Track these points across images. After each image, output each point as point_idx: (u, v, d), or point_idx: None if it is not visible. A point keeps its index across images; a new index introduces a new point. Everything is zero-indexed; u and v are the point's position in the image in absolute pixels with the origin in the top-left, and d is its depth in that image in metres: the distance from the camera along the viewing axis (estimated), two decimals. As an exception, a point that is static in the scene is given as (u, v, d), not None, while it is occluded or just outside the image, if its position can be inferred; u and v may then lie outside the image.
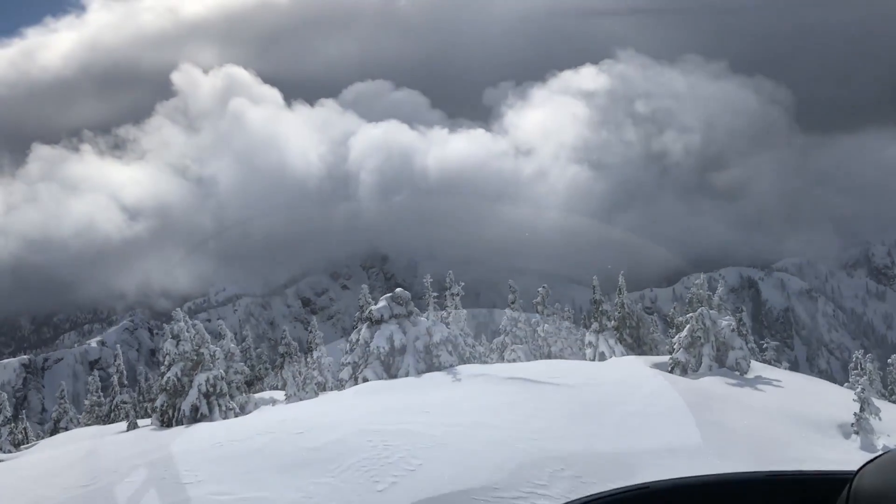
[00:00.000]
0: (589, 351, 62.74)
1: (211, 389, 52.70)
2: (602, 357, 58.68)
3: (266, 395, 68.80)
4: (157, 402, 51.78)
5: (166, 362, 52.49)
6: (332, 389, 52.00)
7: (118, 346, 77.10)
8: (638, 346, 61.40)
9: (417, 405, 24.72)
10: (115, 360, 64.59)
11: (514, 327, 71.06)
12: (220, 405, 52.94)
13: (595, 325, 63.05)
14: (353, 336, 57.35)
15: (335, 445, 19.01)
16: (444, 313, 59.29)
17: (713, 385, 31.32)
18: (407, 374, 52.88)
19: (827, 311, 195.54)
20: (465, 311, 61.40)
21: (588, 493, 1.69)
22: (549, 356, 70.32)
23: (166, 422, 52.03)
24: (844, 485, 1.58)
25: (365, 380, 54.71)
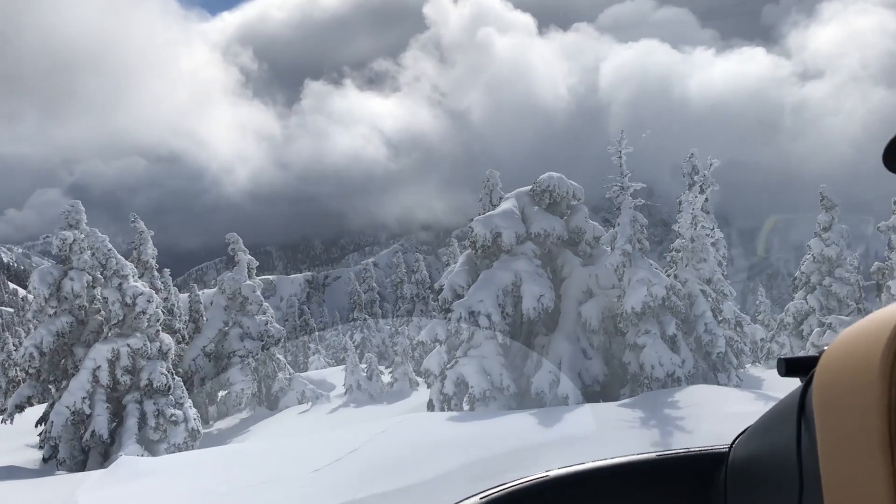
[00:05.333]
0: None
1: (124, 379, 24.48)
2: None
3: (333, 373, 39.70)
4: (12, 401, 24.64)
5: (33, 309, 25.05)
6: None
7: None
8: None
9: None
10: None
11: (829, 275, 34.75)
12: (156, 416, 24.62)
13: None
14: (444, 280, 25.64)
15: None
16: (679, 247, 24.80)
17: None
18: (546, 392, 19.67)
19: None
20: (719, 234, 26.85)
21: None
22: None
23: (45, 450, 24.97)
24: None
25: (458, 383, 19.80)
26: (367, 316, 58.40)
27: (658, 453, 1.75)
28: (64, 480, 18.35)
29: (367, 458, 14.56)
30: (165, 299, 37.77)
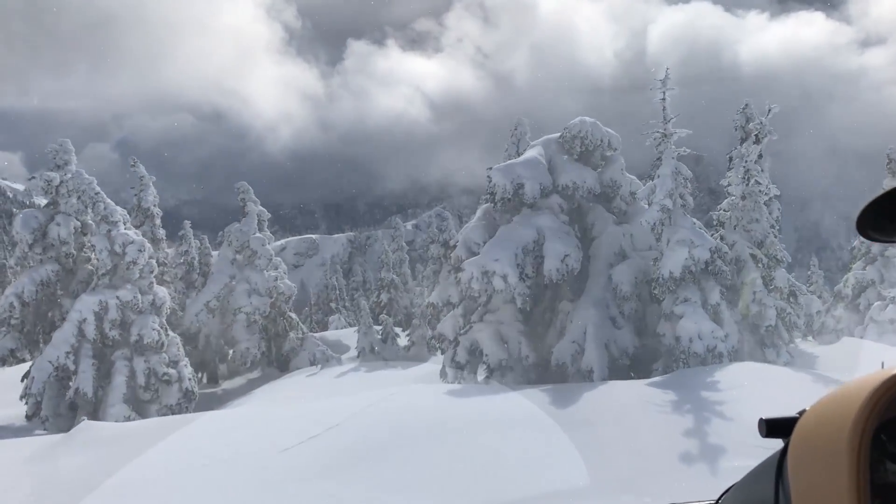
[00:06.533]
0: None
1: (113, 334, 22.74)
2: None
3: (350, 334, 37.71)
4: (-7, 351, 22.81)
5: (15, 256, 23.31)
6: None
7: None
8: None
9: None
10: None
11: None
12: (146, 375, 22.92)
13: None
14: (459, 235, 23.30)
15: None
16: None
17: None
18: (569, 365, 16.70)
19: None
20: (775, 191, 23.82)
21: None
22: None
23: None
24: None
25: (472, 351, 16.68)
26: (394, 276, 56.35)
27: None
28: (20, 445, 16.63)
29: (343, 438, 12.39)
30: (186, 252, 36.13)
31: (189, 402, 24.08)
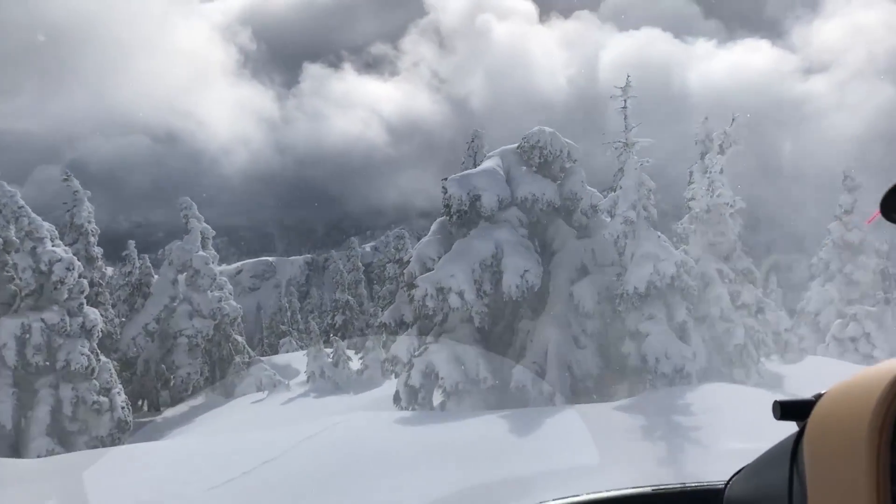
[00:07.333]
0: None
1: (36, 360, 20.90)
2: None
3: (300, 357, 36.11)
4: None
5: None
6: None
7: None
8: None
9: None
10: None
11: None
12: (74, 404, 21.05)
13: None
14: (413, 250, 22.13)
15: None
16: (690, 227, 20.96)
17: None
18: (529, 388, 15.18)
19: None
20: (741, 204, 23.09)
21: None
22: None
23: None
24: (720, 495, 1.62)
25: (427, 374, 14.54)
26: (349, 297, 54.90)
27: (653, 487, 1.71)
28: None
29: (278, 474, 10.99)
30: (129, 273, 34.21)
31: (122, 433, 22.30)
